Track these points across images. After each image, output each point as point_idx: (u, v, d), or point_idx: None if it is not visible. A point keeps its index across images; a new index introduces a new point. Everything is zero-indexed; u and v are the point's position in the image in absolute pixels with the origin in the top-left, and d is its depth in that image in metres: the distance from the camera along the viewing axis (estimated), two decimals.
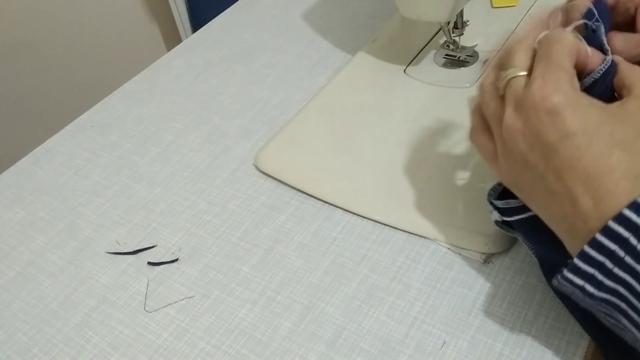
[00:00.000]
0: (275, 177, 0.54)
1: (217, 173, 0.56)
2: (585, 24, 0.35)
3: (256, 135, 0.59)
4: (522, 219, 0.37)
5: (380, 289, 0.43)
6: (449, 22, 0.59)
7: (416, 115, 0.57)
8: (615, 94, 0.34)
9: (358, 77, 0.63)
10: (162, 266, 0.48)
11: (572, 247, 0.32)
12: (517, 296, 0.41)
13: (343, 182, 0.51)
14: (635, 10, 0.39)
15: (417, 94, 0.59)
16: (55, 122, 0.71)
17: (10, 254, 0.51)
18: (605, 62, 0.34)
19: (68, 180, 0.58)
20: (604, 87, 0.34)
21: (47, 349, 0.44)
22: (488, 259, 0.44)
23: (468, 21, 0.62)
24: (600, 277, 0.29)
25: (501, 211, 0.39)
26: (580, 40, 0.34)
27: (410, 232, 0.47)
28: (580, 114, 0.31)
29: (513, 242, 0.44)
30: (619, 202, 0.29)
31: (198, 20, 1.58)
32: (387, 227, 0.48)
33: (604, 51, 0.35)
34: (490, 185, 0.39)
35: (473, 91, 0.58)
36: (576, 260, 0.30)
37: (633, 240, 0.28)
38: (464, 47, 0.63)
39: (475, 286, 0.42)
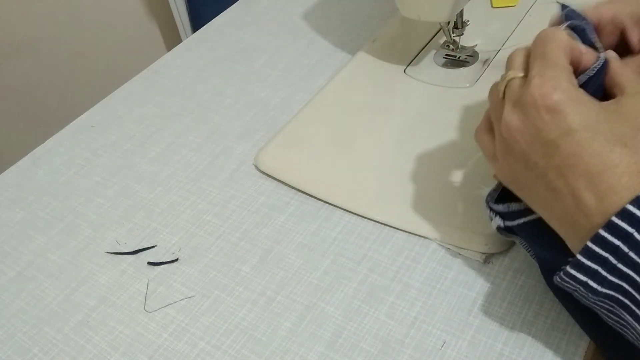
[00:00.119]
0: (275, 177, 0.54)
1: (217, 173, 0.56)
2: (574, 26, 0.35)
3: (256, 135, 0.59)
4: (524, 222, 0.37)
5: (380, 289, 0.43)
6: (449, 22, 0.59)
7: (416, 115, 0.57)
8: (607, 92, 0.35)
9: (358, 77, 0.63)
10: (162, 266, 0.48)
11: (574, 244, 0.31)
12: (517, 296, 0.41)
13: (343, 182, 0.51)
14: (622, 32, 0.38)
15: (417, 94, 0.59)
16: (55, 122, 0.71)
17: (10, 254, 0.51)
18: (599, 59, 0.34)
19: (68, 180, 0.58)
20: (597, 85, 0.34)
21: (47, 349, 0.44)
22: (488, 259, 0.44)
23: (468, 21, 0.62)
24: (603, 272, 0.29)
25: (502, 215, 0.38)
26: (574, 37, 0.34)
27: (410, 232, 0.47)
28: (580, 110, 0.31)
29: (513, 242, 0.44)
30: (622, 197, 0.29)
31: (198, 20, 1.58)
32: (387, 227, 0.48)
33: (596, 49, 0.35)
34: (487, 190, 0.39)
35: (473, 91, 0.58)
36: (579, 256, 0.30)
37: (637, 235, 0.28)
38: (464, 47, 0.63)
39: (475, 286, 0.42)
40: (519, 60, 0.35)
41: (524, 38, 0.62)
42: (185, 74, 0.69)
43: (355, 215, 0.49)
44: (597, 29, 0.37)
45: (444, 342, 0.40)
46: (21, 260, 0.51)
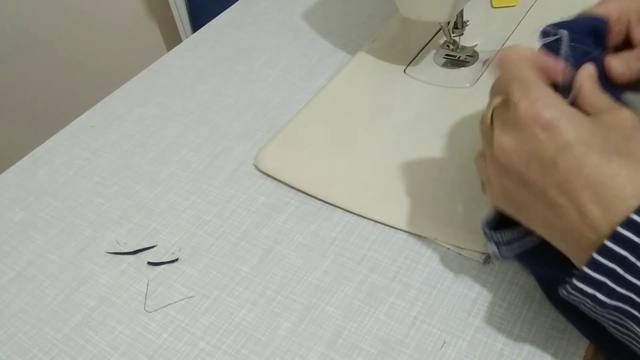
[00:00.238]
0: (275, 177, 0.54)
1: (217, 173, 0.56)
2: (547, 43, 0.36)
3: (256, 135, 0.59)
4: (519, 245, 0.36)
5: (380, 289, 0.43)
6: (449, 22, 0.59)
7: (416, 115, 0.57)
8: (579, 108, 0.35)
9: (358, 77, 0.63)
10: (162, 266, 0.48)
11: (580, 258, 0.31)
12: (517, 296, 0.41)
13: (343, 182, 0.51)
14: (627, 29, 0.39)
15: (417, 94, 0.59)
16: (55, 122, 0.71)
17: (10, 254, 0.51)
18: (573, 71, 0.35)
19: (68, 180, 0.58)
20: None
21: (47, 349, 0.44)
22: (488, 259, 0.44)
23: (468, 21, 0.62)
24: (611, 284, 0.29)
25: (502, 243, 0.37)
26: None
27: (410, 232, 0.47)
28: (574, 124, 0.31)
29: None
30: (628, 206, 0.29)
31: (198, 20, 1.58)
32: (387, 227, 0.48)
33: (580, 54, 0.35)
34: (485, 217, 0.38)
35: (473, 91, 0.58)
36: (585, 269, 0.29)
37: None
38: (464, 47, 0.63)
39: (475, 286, 0.42)
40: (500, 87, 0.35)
41: (524, 38, 0.62)
42: (185, 74, 0.69)
43: (355, 215, 0.49)
44: (607, 26, 0.37)
45: (444, 342, 0.40)
46: (21, 260, 0.51)
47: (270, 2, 0.80)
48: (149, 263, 0.48)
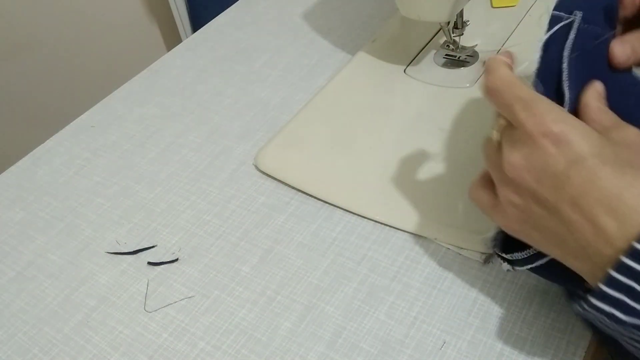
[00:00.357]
0: (275, 177, 0.54)
1: (217, 173, 0.56)
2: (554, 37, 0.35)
3: (256, 135, 0.59)
4: (534, 267, 0.36)
5: (380, 289, 0.43)
6: (449, 22, 0.59)
7: (416, 115, 0.57)
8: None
9: (358, 77, 0.63)
10: (162, 266, 0.48)
11: (595, 275, 0.30)
12: (517, 296, 0.41)
13: (343, 182, 0.51)
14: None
15: (417, 94, 0.59)
16: (55, 122, 0.71)
17: (10, 254, 0.51)
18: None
19: (68, 180, 0.58)
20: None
21: (47, 349, 0.44)
22: (488, 259, 0.44)
23: (468, 21, 0.62)
24: (629, 302, 0.28)
25: (510, 262, 0.37)
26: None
27: (410, 232, 0.47)
28: (585, 137, 0.30)
29: None
30: None
31: (198, 20, 1.58)
32: (387, 227, 0.48)
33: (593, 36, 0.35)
34: (488, 235, 0.38)
35: (473, 91, 0.58)
36: (602, 286, 0.29)
37: None
38: (464, 47, 0.63)
39: (475, 286, 0.42)
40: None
41: (524, 38, 0.62)
42: (185, 74, 0.69)
43: (355, 215, 0.49)
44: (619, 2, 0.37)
45: (444, 342, 0.40)
46: (21, 260, 0.51)
47: (270, 2, 0.80)
48: (149, 263, 0.48)
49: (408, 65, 0.63)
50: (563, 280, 0.36)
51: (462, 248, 0.44)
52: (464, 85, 0.59)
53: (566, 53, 0.35)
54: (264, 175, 0.54)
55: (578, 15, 0.35)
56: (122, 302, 0.46)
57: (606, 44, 0.36)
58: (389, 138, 0.55)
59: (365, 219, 0.49)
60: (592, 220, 0.29)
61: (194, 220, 0.51)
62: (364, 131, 0.56)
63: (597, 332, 0.36)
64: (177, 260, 0.48)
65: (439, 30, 0.66)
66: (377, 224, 0.48)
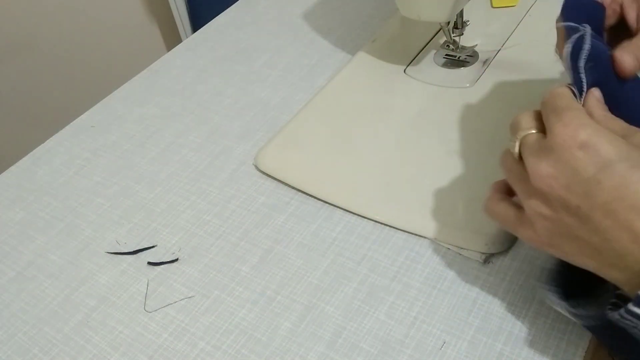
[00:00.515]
0: (275, 177, 0.54)
1: (217, 173, 0.56)
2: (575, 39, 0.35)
3: (256, 135, 0.59)
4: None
5: (380, 289, 0.43)
6: (449, 22, 0.59)
7: (416, 115, 0.57)
8: None
9: (358, 77, 0.63)
10: (162, 266, 0.48)
11: (633, 285, 0.30)
12: (517, 296, 0.41)
13: (343, 182, 0.51)
14: (621, 8, 0.39)
15: (417, 94, 0.59)
16: (55, 122, 0.71)
17: (10, 254, 0.51)
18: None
19: (68, 180, 0.58)
20: None
21: (47, 349, 0.44)
22: (488, 259, 0.44)
23: (468, 21, 0.62)
24: None
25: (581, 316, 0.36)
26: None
27: (410, 232, 0.47)
28: (611, 142, 0.30)
29: (513, 242, 0.44)
30: None
31: (198, 20, 1.58)
32: (387, 227, 0.48)
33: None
34: (545, 286, 0.36)
35: (473, 91, 0.58)
36: None
37: None
38: (464, 47, 0.63)
39: (475, 286, 0.42)
40: (526, 120, 0.34)
41: (524, 38, 0.62)
42: (185, 74, 0.69)
43: (355, 215, 0.49)
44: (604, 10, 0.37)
45: (444, 342, 0.40)
46: (21, 260, 0.51)
47: (270, 2, 0.80)
48: (149, 263, 0.48)
49: (408, 65, 0.63)
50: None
51: (462, 248, 0.44)
52: (464, 85, 0.59)
53: (581, 64, 0.35)
54: (264, 175, 0.54)
55: (588, 27, 0.36)
56: (122, 302, 0.46)
57: (610, 54, 0.36)
58: (388, 138, 0.55)
59: (365, 219, 0.49)
60: (627, 225, 0.29)
61: (194, 220, 0.51)
62: (364, 131, 0.56)
63: (598, 337, 0.36)
64: (177, 260, 0.48)
65: (439, 30, 0.66)
66: (377, 224, 0.48)
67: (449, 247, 0.45)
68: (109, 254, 0.50)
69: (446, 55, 0.63)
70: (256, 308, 0.44)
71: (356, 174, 0.52)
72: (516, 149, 0.34)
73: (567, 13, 0.37)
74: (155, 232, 0.51)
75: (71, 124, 0.65)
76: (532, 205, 0.33)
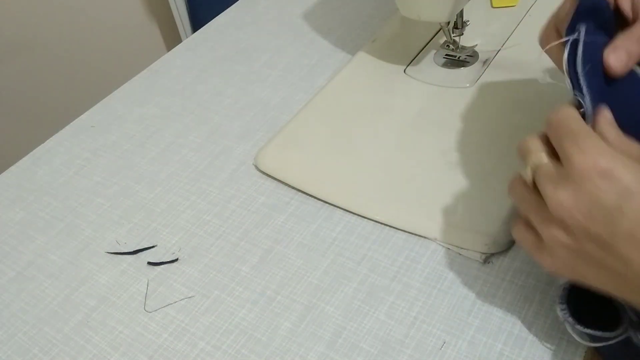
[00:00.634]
0: (275, 177, 0.54)
1: (217, 173, 0.56)
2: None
3: (256, 135, 0.59)
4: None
5: (380, 289, 0.43)
6: (449, 22, 0.59)
7: (416, 115, 0.57)
8: None
9: (358, 77, 0.63)
10: (162, 266, 0.48)
11: None
12: (517, 296, 0.41)
13: (343, 182, 0.51)
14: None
15: (417, 94, 0.59)
16: (55, 122, 0.71)
17: (10, 254, 0.51)
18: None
19: (68, 180, 0.58)
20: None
21: (47, 349, 0.44)
22: (488, 259, 0.44)
23: (468, 21, 0.62)
24: None
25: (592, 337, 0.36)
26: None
27: (410, 232, 0.47)
28: (631, 170, 0.30)
29: (513, 242, 0.44)
30: None
31: (198, 20, 1.58)
32: (387, 227, 0.48)
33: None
34: (561, 307, 0.36)
35: (473, 91, 0.58)
36: None
37: None
38: (464, 47, 0.63)
39: (475, 286, 0.42)
40: (536, 145, 0.34)
41: (524, 38, 0.62)
42: (185, 74, 0.69)
43: (355, 215, 0.49)
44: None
45: (444, 342, 0.40)
46: (21, 260, 0.51)
47: (270, 2, 0.80)
48: (149, 263, 0.48)
49: (408, 65, 0.63)
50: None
51: (462, 248, 0.44)
52: (464, 85, 0.59)
53: (579, 69, 0.35)
54: (264, 175, 0.54)
55: (582, 30, 0.35)
56: (122, 302, 0.46)
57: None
58: (388, 138, 0.55)
59: (365, 219, 0.49)
60: None
61: (194, 220, 0.51)
62: (364, 131, 0.56)
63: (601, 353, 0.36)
64: (177, 260, 0.48)
65: (439, 30, 0.66)
66: (377, 224, 0.48)
67: (449, 247, 0.45)
68: (109, 254, 0.50)
69: (446, 55, 0.63)
70: (256, 308, 0.44)
71: (356, 174, 0.52)
72: (530, 176, 0.34)
73: (569, 24, 0.37)
74: (155, 232, 0.51)
75: (71, 124, 0.65)
76: (552, 234, 0.32)
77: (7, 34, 1.39)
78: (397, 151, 0.53)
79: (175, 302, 0.45)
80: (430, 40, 0.66)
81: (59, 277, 0.49)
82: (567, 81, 0.35)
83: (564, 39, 0.36)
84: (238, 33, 0.75)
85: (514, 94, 0.56)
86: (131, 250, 0.50)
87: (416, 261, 0.45)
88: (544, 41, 0.40)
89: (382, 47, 0.66)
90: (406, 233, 0.47)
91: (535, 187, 0.33)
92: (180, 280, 0.47)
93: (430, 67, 0.62)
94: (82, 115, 0.66)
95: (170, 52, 0.74)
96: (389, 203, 0.49)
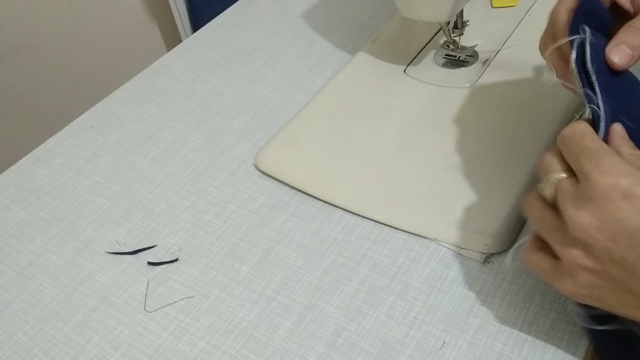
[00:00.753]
0: (275, 177, 0.54)
1: (217, 173, 0.56)
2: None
3: (256, 135, 0.59)
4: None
5: (380, 289, 0.43)
6: (448, 22, 0.59)
7: (416, 115, 0.57)
8: None
9: (358, 77, 0.63)
10: (162, 266, 0.48)
11: None
12: (517, 296, 0.41)
13: (343, 182, 0.51)
14: None
15: (417, 94, 0.59)
16: (55, 122, 0.71)
17: (10, 254, 0.51)
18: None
19: (68, 180, 0.58)
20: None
21: (47, 349, 0.44)
22: (488, 259, 0.44)
23: (468, 21, 0.62)
24: None
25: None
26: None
27: (410, 232, 0.47)
28: None
29: (513, 242, 0.45)
30: None
31: (198, 20, 1.58)
32: (387, 227, 0.48)
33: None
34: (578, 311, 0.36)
35: (473, 91, 0.58)
36: None
37: None
38: (464, 47, 0.63)
39: (475, 286, 0.42)
40: (556, 163, 0.33)
41: (524, 38, 0.62)
42: (185, 74, 0.69)
43: (355, 215, 0.49)
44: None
45: (444, 342, 0.40)
46: (21, 260, 0.51)
47: (270, 2, 0.80)
48: (149, 263, 0.48)
49: (408, 65, 0.63)
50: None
51: (462, 248, 0.44)
52: (464, 85, 0.59)
53: (589, 66, 0.35)
54: (264, 175, 0.54)
55: (588, 30, 0.35)
56: (122, 302, 0.46)
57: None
58: (388, 138, 0.55)
59: (365, 219, 0.49)
60: None
61: (194, 220, 0.51)
62: (364, 131, 0.56)
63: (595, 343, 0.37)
64: (177, 260, 0.48)
65: (439, 30, 0.66)
66: (377, 224, 0.48)
67: (449, 247, 0.45)
68: (109, 254, 0.50)
69: (446, 55, 0.63)
70: (256, 308, 0.44)
71: (356, 173, 0.52)
72: (548, 193, 0.33)
73: (571, 26, 0.37)
74: (155, 232, 0.51)
75: (71, 124, 0.65)
76: (573, 257, 0.31)
77: (7, 34, 1.39)
78: (397, 151, 0.53)
79: (175, 302, 0.45)
80: (430, 40, 0.66)
81: (59, 277, 0.49)
82: (577, 80, 0.35)
83: (570, 39, 0.35)
84: (238, 33, 0.75)
85: (514, 94, 0.56)
86: (131, 250, 0.50)
87: (416, 261, 0.45)
88: (543, 49, 0.40)
89: (382, 47, 0.66)
90: (406, 233, 0.47)
91: (553, 206, 0.32)
92: (180, 280, 0.47)
93: (430, 67, 0.62)
94: (82, 115, 0.66)
95: (170, 52, 0.74)
96: (389, 203, 0.49)
